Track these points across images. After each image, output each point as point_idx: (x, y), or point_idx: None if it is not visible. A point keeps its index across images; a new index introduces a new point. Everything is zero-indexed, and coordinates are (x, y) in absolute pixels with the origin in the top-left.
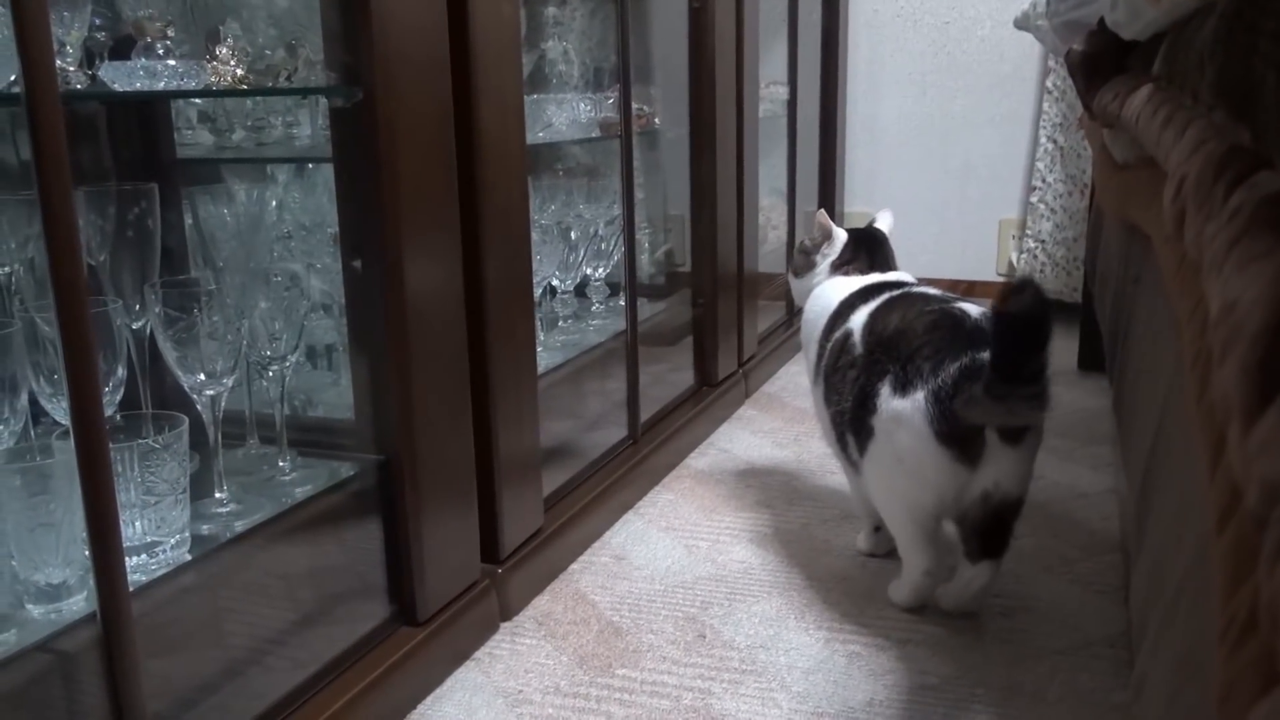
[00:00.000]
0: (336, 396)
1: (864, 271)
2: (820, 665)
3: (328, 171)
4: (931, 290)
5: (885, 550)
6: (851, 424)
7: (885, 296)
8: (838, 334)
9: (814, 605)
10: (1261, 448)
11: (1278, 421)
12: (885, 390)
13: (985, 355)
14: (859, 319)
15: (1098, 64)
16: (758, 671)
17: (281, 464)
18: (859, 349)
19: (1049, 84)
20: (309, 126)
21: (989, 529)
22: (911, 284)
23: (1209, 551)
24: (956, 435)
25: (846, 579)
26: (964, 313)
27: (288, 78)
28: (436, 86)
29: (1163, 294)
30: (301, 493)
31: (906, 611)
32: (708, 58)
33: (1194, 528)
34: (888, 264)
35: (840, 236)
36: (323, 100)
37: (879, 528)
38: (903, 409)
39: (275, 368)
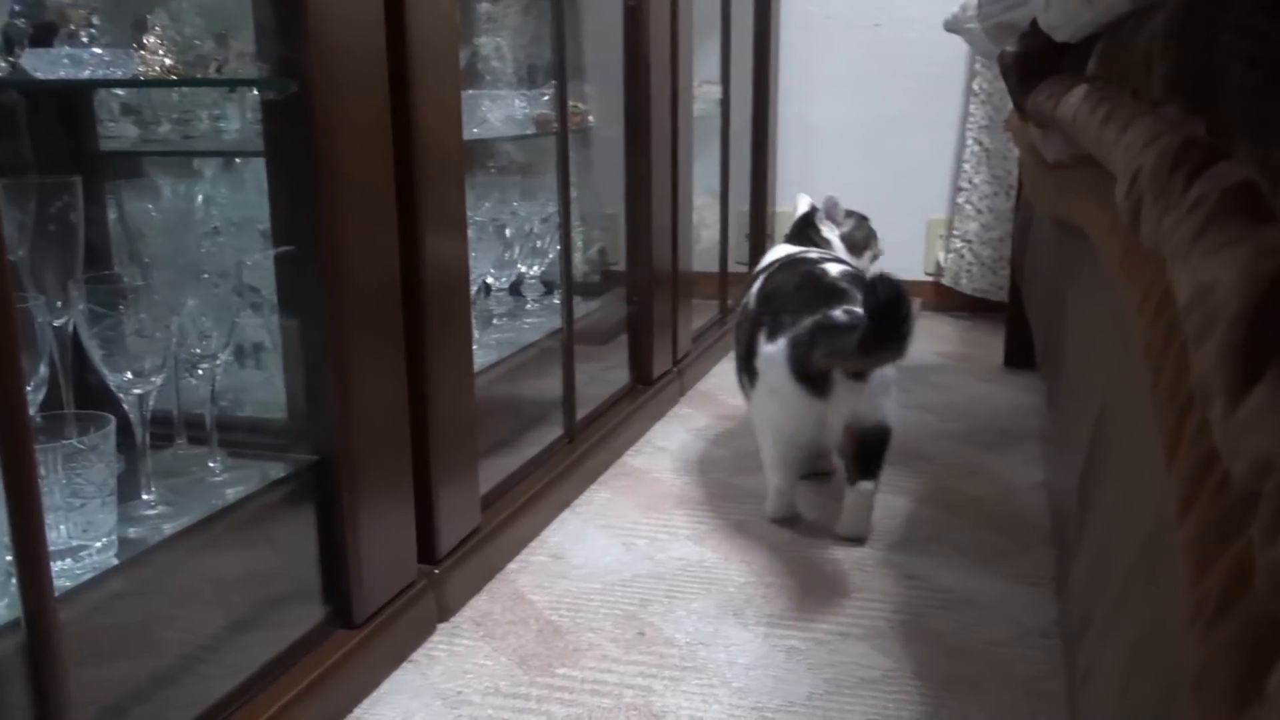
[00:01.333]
0: (267, 396)
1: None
2: (760, 661)
3: (257, 167)
4: (815, 256)
5: (789, 513)
6: (744, 368)
7: (781, 263)
8: (744, 297)
9: (753, 601)
10: (1250, 424)
11: (1266, 397)
12: (762, 338)
13: (838, 311)
14: (757, 284)
15: (1030, 65)
16: (698, 668)
17: (211, 465)
18: (751, 307)
19: (975, 87)
20: (237, 120)
21: (860, 455)
22: (811, 255)
23: (1162, 542)
24: (809, 374)
25: (785, 575)
26: (824, 273)
27: (218, 69)
28: (373, 81)
29: (1102, 287)
30: (233, 494)
31: (773, 522)
32: (643, 55)
33: (1141, 520)
34: (806, 239)
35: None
36: (251, 94)
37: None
38: (771, 353)
39: (205, 366)
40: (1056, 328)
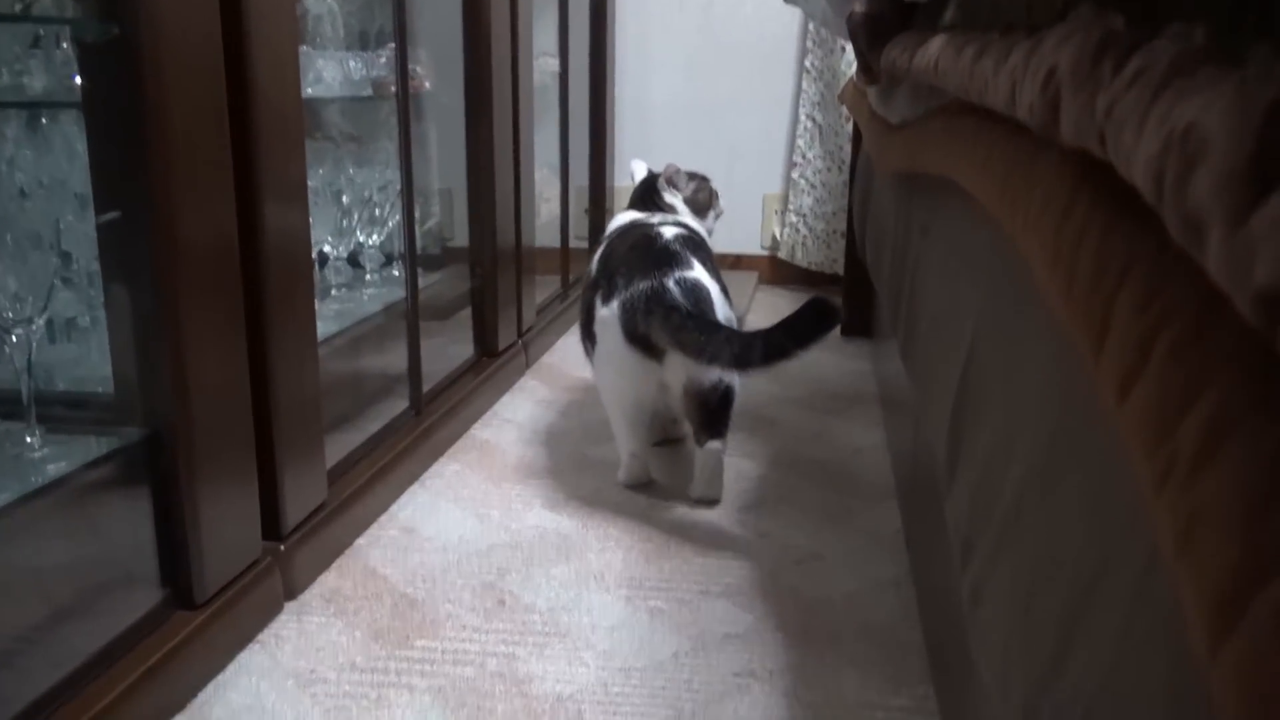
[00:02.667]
0: (87, 371)
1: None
2: (624, 623)
3: (67, 128)
4: (656, 220)
5: (643, 479)
6: (586, 333)
7: (620, 230)
8: (589, 265)
9: (612, 566)
10: (1270, 228)
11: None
12: (599, 302)
13: (671, 282)
14: (599, 251)
15: (879, 24)
16: (562, 633)
17: (29, 440)
18: (592, 273)
19: (807, 64)
20: (43, 75)
21: (703, 416)
22: (652, 219)
23: (1059, 456)
24: (639, 337)
25: (643, 539)
26: (658, 236)
27: (26, 8)
28: (205, 26)
29: (965, 233)
30: (54, 470)
31: (627, 489)
32: (484, 21)
33: (1031, 441)
34: (650, 205)
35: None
36: (62, 46)
37: (634, 453)
38: (606, 316)
39: (20, 331)
40: (907, 286)
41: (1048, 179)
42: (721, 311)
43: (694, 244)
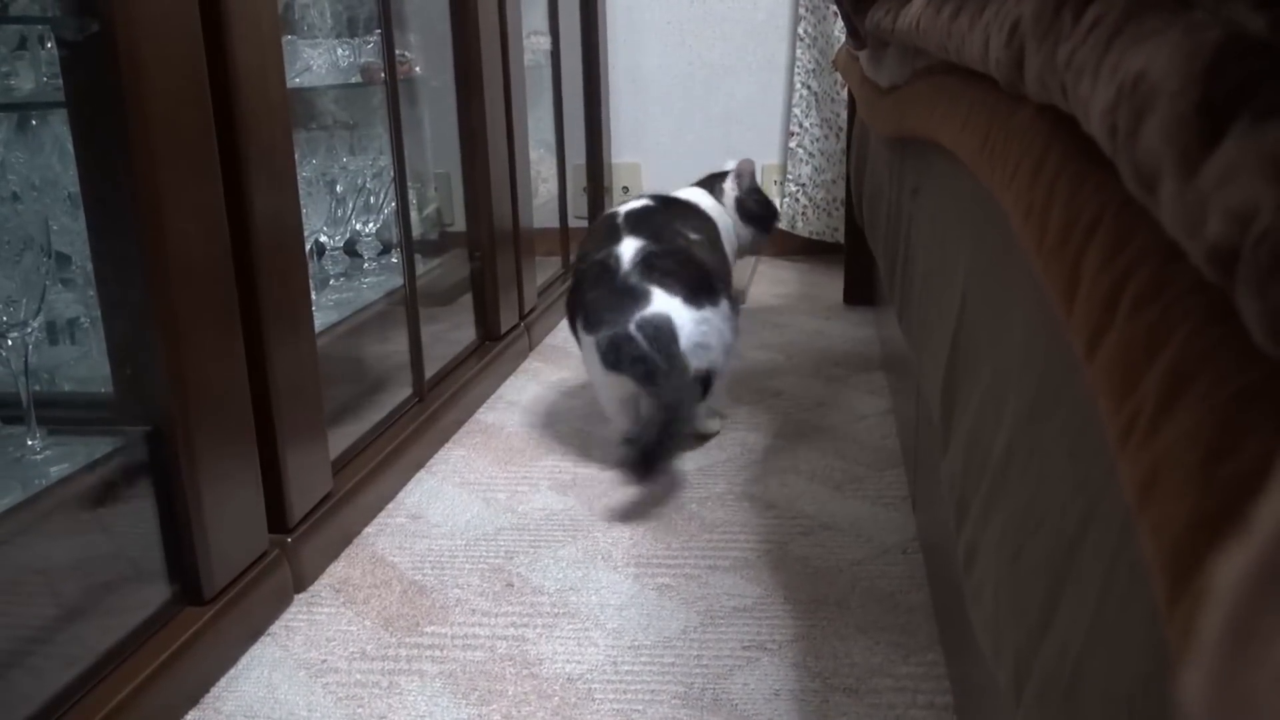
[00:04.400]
0: (87, 371)
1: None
2: (632, 600)
3: (57, 129)
4: (684, 199)
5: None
6: (572, 324)
7: (632, 213)
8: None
9: (619, 544)
10: (1220, 179)
11: (1235, 151)
12: (579, 318)
13: (630, 322)
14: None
15: None
16: (570, 613)
17: (31, 443)
18: (586, 254)
19: (801, 31)
20: (30, 78)
21: None
22: (681, 198)
23: (1046, 405)
24: (616, 371)
25: (649, 517)
26: (617, 267)
27: (3, 8)
28: (184, 18)
29: (951, 192)
30: (57, 472)
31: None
32: (470, 3)
33: (1018, 393)
34: (709, 187)
35: None
36: (48, 47)
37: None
38: (585, 340)
39: (15, 335)
40: (902, 247)
41: (1023, 133)
42: (690, 331)
43: (662, 256)
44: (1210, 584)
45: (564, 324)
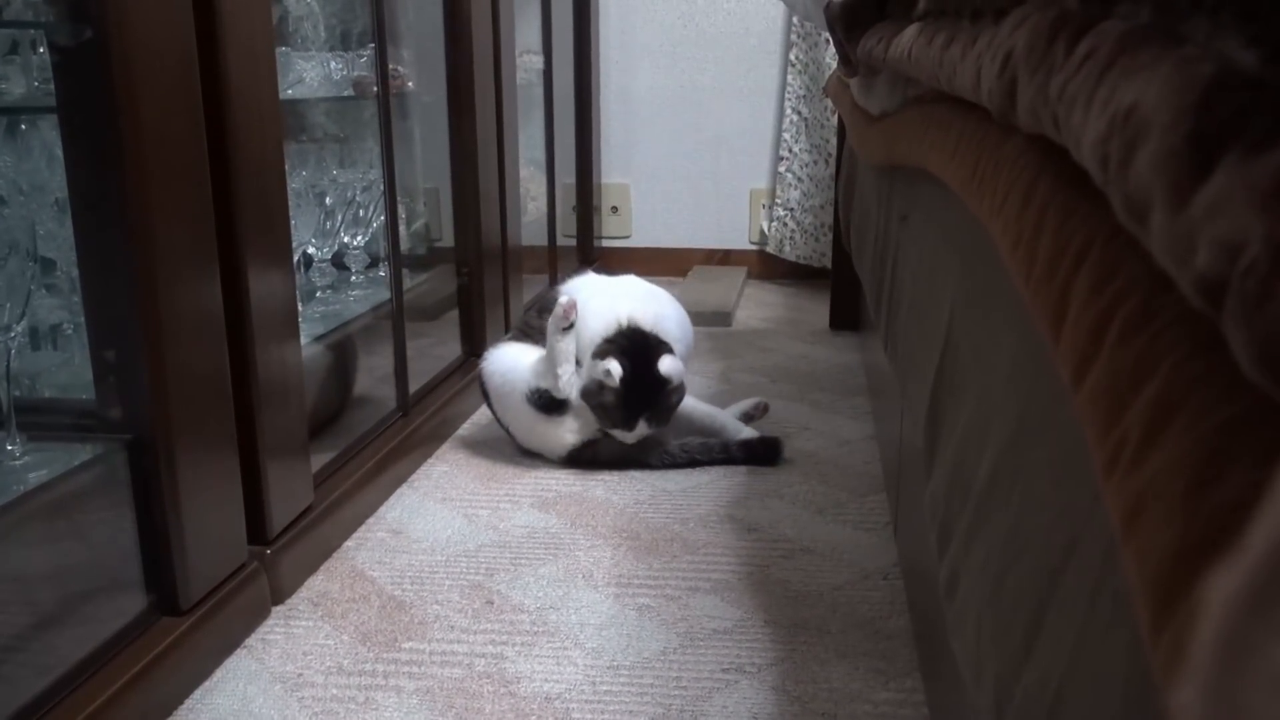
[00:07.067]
0: (69, 377)
1: None
2: (612, 620)
3: (46, 134)
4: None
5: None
6: None
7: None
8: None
9: (600, 564)
10: (1210, 210)
11: (1225, 182)
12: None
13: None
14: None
15: (857, 14)
16: (550, 632)
17: (10, 448)
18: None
19: (792, 57)
20: (21, 82)
21: None
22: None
23: (1030, 435)
24: None
25: (631, 536)
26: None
27: None
28: (177, 27)
29: (938, 223)
30: (35, 478)
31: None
32: (464, 19)
33: (1002, 423)
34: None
35: None
36: (38, 54)
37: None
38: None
39: None
40: (889, 274)
41: (1013, 162)
42: None
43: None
44: (1200, 604)
45: None
